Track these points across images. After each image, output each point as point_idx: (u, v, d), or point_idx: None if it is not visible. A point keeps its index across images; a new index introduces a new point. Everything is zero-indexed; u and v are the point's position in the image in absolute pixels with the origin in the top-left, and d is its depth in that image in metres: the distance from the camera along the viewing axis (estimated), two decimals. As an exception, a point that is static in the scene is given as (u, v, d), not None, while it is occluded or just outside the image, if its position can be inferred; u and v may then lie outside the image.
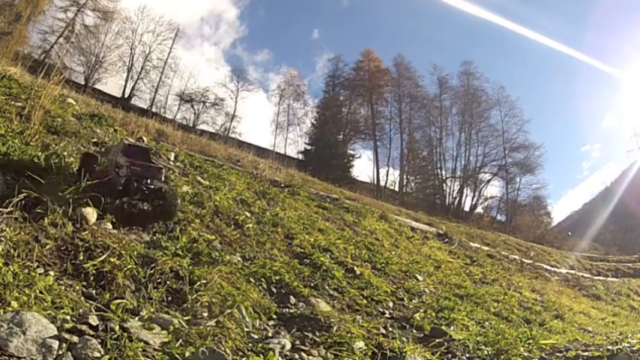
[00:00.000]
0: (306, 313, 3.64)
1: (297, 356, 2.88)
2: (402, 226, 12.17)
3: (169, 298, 3.11)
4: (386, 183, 38.86)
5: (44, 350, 1.96)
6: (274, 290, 4.12)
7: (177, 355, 2.28)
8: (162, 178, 4.29)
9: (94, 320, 2.33)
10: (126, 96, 32.39)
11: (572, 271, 16.18)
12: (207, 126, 34.64)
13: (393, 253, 8.06)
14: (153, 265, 3.33)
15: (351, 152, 39.67)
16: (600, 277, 16.69)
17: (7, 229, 2.87)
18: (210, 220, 5.18)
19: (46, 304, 2.32)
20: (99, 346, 2.11)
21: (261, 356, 2.64)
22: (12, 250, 2.69)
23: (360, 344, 3.27)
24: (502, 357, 3.71)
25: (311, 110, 41.32)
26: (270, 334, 3.17)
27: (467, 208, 37.88)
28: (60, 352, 2.00)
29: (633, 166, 35.53)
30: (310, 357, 2.93)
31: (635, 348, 3.53)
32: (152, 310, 2.81)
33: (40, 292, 2.37)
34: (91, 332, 2.24)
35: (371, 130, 40.57)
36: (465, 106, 39.97)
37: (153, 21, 34.21)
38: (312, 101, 41.96)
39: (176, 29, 35.17)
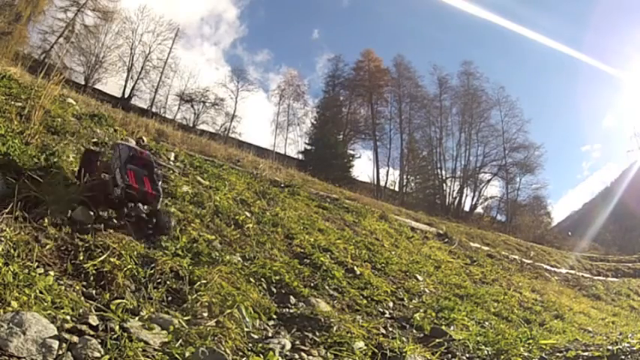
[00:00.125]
0: (306, 313, 3.64)
1: (297, 356, 2.88)
2: (402, 226, 12.17)
3: (169, 298, 3.11)
4: (386, 183, 38.88)
5: (44, 350, 1.96)
6: (274, 290, 4.12)
7: (177, 355, 2.28)
8: (159, 205, 4.11)
9: (94, 320, 2.33)
10: (126, 96, 32.41)
11: (572, 271, 16.18)
12: (207, 126, 34.67)
13: (393, 253, 8.06)
14: (153, 265, 3.33)
15: (351, 152, 39.67)
16: (600, 277, 16.69)
17: (7, 229, 2.87)
18: (210, 220, 5.18)
19: (46, 304, 2.32)
20: (99, 346, 2.11)
21: (261, 356, 2.64)
22: (12, 250, 2.69)
23: (360, 344, 3.27)
24: (502, 357, 3.70)
25: (311, 110, 41.34)
26: (270, 334, 3.17)
27: (467, 208, 37.91)
28: (60, 352, 2.00)
29: (633, 166, 35.55)
30: (310, 357, 2.93)
31: (635, 348, 3.53)
32: (152, 310, 2.81)
33: (40, 292, 2.37)
34: (91, 332, 2.23)
35: (371, 130, 40.60)
36: (465, 106, 39.99)
37: (153, 21, 34.24)
38: (312, 101, 41.99)
39: (176, 29, 35.20)
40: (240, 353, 2.65)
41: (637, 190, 32.53)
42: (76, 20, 30.66)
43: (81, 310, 2.43)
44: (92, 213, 3.71)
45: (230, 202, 6.29)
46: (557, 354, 3.85)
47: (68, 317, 2.29)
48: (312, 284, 4.64)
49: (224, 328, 2.77)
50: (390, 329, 4.08)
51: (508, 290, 8.37)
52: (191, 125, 32.55)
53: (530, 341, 4.18)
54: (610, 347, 3.67)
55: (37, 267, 2.69)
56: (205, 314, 2.97)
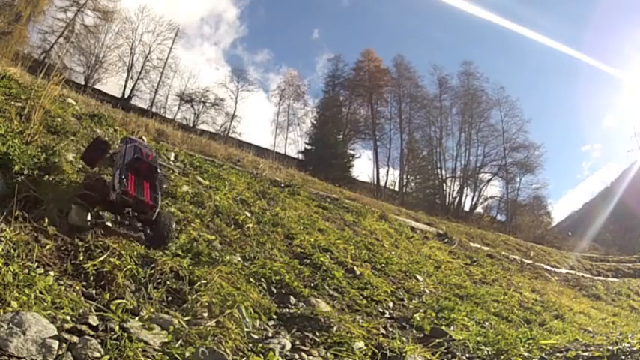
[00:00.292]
0: (306, 313, 3.64)
1: (297, 356, 2.88)
2: (402, 226, 12.18)
3: (169, 298, 3.11)
4: (386, 183, 38.92)
5: (44, 350, 1.96)
6: (274, 290, 4.12)
7: (177, 355, 2.28)
8: (155, 214, 3.76)
9: (94, 320, 2.33)
10: (126, 96, 32.44)
11: (572, 271, 16.18)
12: (207, 126, 34.71)
13: (393, 253, 8.06)
14: (153, 265, 3.33)
15: (351, 152, 39.72)
16: (600, 277, 16.70)
17: (7, 229, 2.87)
18: (210, 220, 5.18)
19: (46, 304, 2.32)
20: (99, 346, 2.11)
21: (261, 356, 2.64)
22: (12, 250, 2.69)
23: (360, 344, 3.26)
24: (502, 357, 3.70)
25: (311, 110, 41.39)
26: (270, 334, 3.17)
27: (467, 208, 37.95)
28: (60, 352, 2.00)
29: (633, 166, 35.58)
30: (310, 357, 2.93)
31: (635, 348, 3.53)
32: (152, 310, 2.81)
33: (40, 292, 2.37)
34: (91, 332, 2.23)
35: (371, 130, 40.63)
36: (465, 106, 40.02)
37: (153, 21, 34.30)
38: (312, 101, 42.04)
39: (176, 29, 35.24)
40: (240, 353, 2.65)
41: (637, 190, 32.54)
42: (76, 20, 30.68)
43: (81, 310, 2.43)
44: (89, 214, 3.59)
45: (230, 202, 6.29)
46: (557, 354, 3.85)
47: (68, 317, 2.29)
48: (312, 284, 4.64)
49: (224, 328, 2.77)
50: (390, 329, 4.08)
51: (508, 290, 8.37)
52: (191, 125, 32.57)
53: (530, 341, 4.18)
54: (610, 347, 3.67)
55: (37, 267, 2.69)
56: (205, 314, 2.97)
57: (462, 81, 40.30)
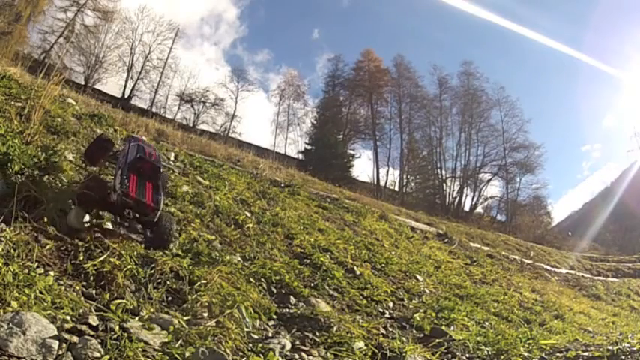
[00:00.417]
0: (306, 313, 3.64)
1: (297, 356, 2.88)
2: (402, 226, 12.18)
3: (169, 298, 3.11)
4: (386, 183, 38.94)
5: (44, 350, 1.96)
6: (274, 290, 4.12)
7: (177, 355, 2.28)
8: (157, 216, 3.62)
9: (94, 320, 2.33)
10: (126, 96, 32.45)
11: (572, 271, 16.19)
12: (207, 126, 34.73)
13: (393, 253, 8.06)
14: (153, 265, 3.33)
15: (351, 152, 39.73)
16: (600, 277, 16.70)
17: (7, 229, 2.87)
18: (210, 220, 5.18)
19: (46, 304, 2.32)
20: (99, 346, 2.11)
21: (261, 356, 2.64)
22: (12, 250, 2.69)
23: (360, 344, 3.26)
24: (502, 357, 3.70)
25: (311, 110, 41.39)
26: (270, 334, 3.17)
27: (467, 208, 37.97)
28: (60, 352, 2.00)
29: (633, 166, 35.59)
30: (310, 357, 2.93)
31: (635, 348, 3.53)
32: (152, 310, 2.81)
33: (40, 292, 2.37)
34: (91, 332, 2.23)
35: (371, 130, 40.64)
36: (465, 106, 40.03)
37: (153, 21, 34.31)
38: (312, 101, 42.04)
39: (176, 29, 35.26)
40: (240, 353, 2.65)
41: (637, 190, 32.55)
42: (76, 20, 30.69)
43: (81, 310, 2.43)
44: (88, 216, 3.50)
45: (230, 202, 6.29)
46: (557, 354, 3.85)
47: (68, 317, 2.29)
48: (312, 284, 4.64)
49: (224, 328, 2.77)
50: (390, 329, 4.08)
51: (508, 290, 8.37)
52: (191, 125, 32.58)
53: (530, 341, 4.18)
54: (610, 347, 3.67)
55: (37, 267, 2.69)
56: (205, 314, 2.97)
57: (462, 81, 40.33)
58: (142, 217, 3.54)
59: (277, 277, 4.29)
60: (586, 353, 3.72)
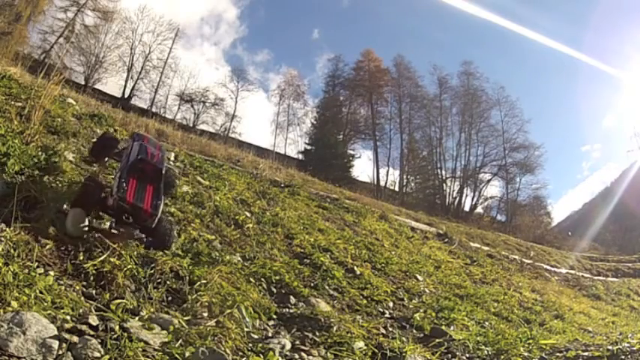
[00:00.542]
0: (306, 313, 3.64)
1: (297, 356, 2.88)
2: (402, 226, 12.18)
3: (169, 298, 3.11)
4: (386, 183, 38.98)
5: (44, 350, 1.96)
6: (274, 290, 4.12)
7: (177, 355, 2.28)
8: (155, 222, 3.47)
9: (94, 320, 2.33)
10: (126, 96, 32.49)
11: (572, 271, 16.19)
12: (207, 126, 34.78)
13: (393, 253, 8.06)
14: (153, 265, 3.33)
15: (351, 152, 39.79)
16: (600, 277, 16.71)
17: (7, 229, 2.87)
18: (210, 220, 5.18)
19: (46, 304, 2.32)
20: (99, 346, 2.11)
21: (261, 356, 2.64)
22: (12, 250, 2.69)
23: (360, 344, 3.26)
24: (502, 357, 3.70)
25: (311, 110, 41.44)
26: (270, 334, 3.17)
27: (467, 208, 38.02)
28: (60, 352, 2.00)
29: (633, 166, 35.64)
30: (310, 357, 2.93)
31: (635, 348, 3.53)
32: (152, 310, 2.81)
33: (40, 292, 2.37)
34: (91, 332, 2.23)
35: (371, 130, 40.67)
36: (465, 106, 40.06)
37: (153, 21, 34.36)
38: (312, 101, 42.09)
39: (176, 29, 35.31)
40: (240, 353, 2.65)
41: (637, 190, 32.57)
42: (76, 20, 30.72)
43: (81, 310, 2.43)
44: (86, 220, 3.33)
45: (230, 202, 6.29)
46: (557, 354, 3.85)
47: (68, 317, 2.29)
48: (312, 284, 4.64)
49: (224, 328, 2.77)
50: (390, 329, 4.08)
51: (508, 290, 8.37)
52: (191, 125, 32.61)
53: (530, 341, 4.18)
54: (610, 347, 3.67)
55: (37, 267, 2.69)
56: (205, 314, 2.97)
57: (462, 81, 40.37)
58: (139, 222, 3.40)
59: (277, 277, 4.29)
60: (586, 353, 3.72)
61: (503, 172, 38.30)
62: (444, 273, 8.03)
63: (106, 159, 4.57)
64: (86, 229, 3.30)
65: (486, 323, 5.18)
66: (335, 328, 3.43)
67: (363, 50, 42.07)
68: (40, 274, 2.58)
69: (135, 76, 33.65)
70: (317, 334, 3.32)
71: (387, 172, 39.26)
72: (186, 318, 2.78)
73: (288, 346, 2.97)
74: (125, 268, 3.06)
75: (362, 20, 52.19)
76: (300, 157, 37.59)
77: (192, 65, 46.00)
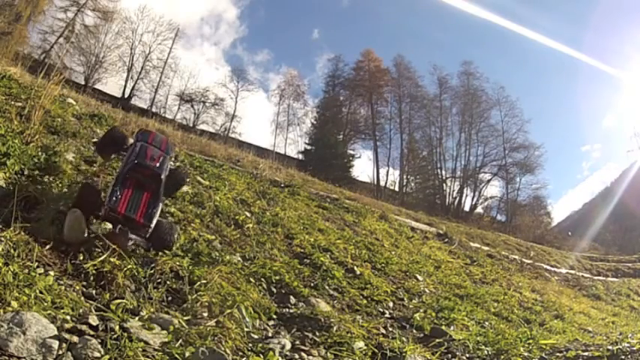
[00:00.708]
0: (306, 313, 3.64)
1: (297, 356, 2.88)
2: (402, 226, 12.18)
3: (169, 298, 3.11)
4: (386, 183, 39.00)
5: (44, 350, 1.96)
6: (274, 290, 4.12)
7: (177, 355, 2.28)
8: (149, 232, 3.39)
9: (94, 320, 2.33)
10: (126, 96, 32.50)
11: (572, 271, 16.19)
12: (207, 126, 34.81)
13: (393, 253, 8.06)
14: (153, 265, 3.33)
15: (351, 152, 39.81)
16: (600, 277, 16.71)
17: (7, 229, 2.87)
18: (210, 220, 5.18)
19: (46, 304, 2.32)
20: (99, 346, 2.11)
21: (261, 356, 2.64)
22: (12, 250, 2.69)
23: (360, 344, 3.27)
24: (502, 357, 3.70)
25: (311, 110, 41.46)
26: (270, 334, 3.17)
27: (467, 208, 38.03)
28: (60, 352, 2.00)
29: (633, 166, 35.65)
30: (310, 357, 2.93)
31: (635, 348, 3.53)
32: (152, 310, 2.81)
33: (40, 292, 2.37)
34: (91, 332, 2.23)
35: (371, 130, 40.69)
36: (465, 106, 40.07)
37: (153, 21, 34.39)
38: (312, 101, 42.11)
39: (176, 29, 35.33)
40: (240, 353, 2.65)
41: (637, 190, 32.57)
42: (76, 20, 30.73)
43: (81, 310, 2.43)
44: (84, 226, 3.23)
45: (230, 202, 6.29)
46: (557, 354, 3.85)
47: (68, 317, 2.29)
48: (312, 284, 4.64)
49: (224, 328, 2.77)
50: (390, 329, 4.08)
51: (508, 290, 8.37)
52: (191, 125, 32.62)
53: (530, 341, 4.18)
54: (610, 347, 3.67)
55: (37, 267, 2.69)
56: (205, 314, 2.97)
57: (462, 81, 40.37)
58: (132, 232, 3.30)
59: (277, 277, 4.29)
60: (586, 353, 3.72)
61: (503, 172, 38.32)
62: (444, 273, 8.03)
63: (113, 156, 4.49)
64: (85, 235, 3.22)
65: (486, 323, 5.18)
66: (335, 328, 3.43)
67: (363, 50, 42.10)
68: (40, 274, 2.58)
69: (135, 76, 33.69)
70: (317, 334, 3.32)
71: (387, 172, 39.29)
72: (186, 318, 2.78)
73: (288, 346, 2.97)
74: (125, 268, 3.06)
75: (362, 20, 52.25)
76: (300, 157, 37.61)
77: (192, 65, 46.05)
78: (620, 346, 3.62)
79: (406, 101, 40.41)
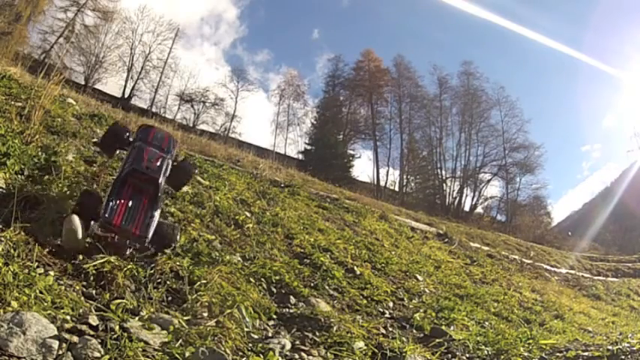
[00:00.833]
0: (306, 313, 3.64)
1: (297, 356, 2.88)
2: (402, 226, 12.18)
3: (169, 298, 3.11)
4: (386, 183, 39.03)
5: (44, 350, 1.96)
6: (274, 290, 4.12)
7: (177, 355, 2.28)
8: (147, 241, 3.29)
9: (94, 320, 2.33)
10: (126, 96, 32.51)
11: (572, 271, 16.20)
12: (207, 126, 34.84)
13: (393, 253, 8.06)
14: (153, 265, 3.33)
15: (351, 152, 39.84)
16: (600, 277, 16.71)
17: (7, 229, 2.87)
18: (210, 220, 5.17)
19: (46, 304, 2.32)
20: (99, 346, 2.11)
21: (261, 356, 2.64)
22: (12, 250, 2.69)
23: (360, 344, 3.26)
24: (502, 357, 3.70)
25: (311, 110, 41.50)
26: (270, 334, 3.17)
27: (467, 208, 38.07)
28: (60, 352, 2.00)
29: (633, 166, 35.67)
30: (310, 357, 2.93)
31: (635, 348, 3.53)
32: (152, 310, 2.80)
33: (40, 292, 2.37)
34: (91, 332, 2.23)
35: (371, 130, 40.71)
36: (465, 106, 40.10)
37: (153, 21, 34.43)
38: (312, 101, 42.15)
39: (176, 29, 35.36)
40: (240, 353, 2.65)
41: (637, 190, 32.59)
42: (76, 20, 30.74)
43: (81, 310, 2.43)
44: (83, 232, 3.08)
45: (230, 202, 6.29)
46: (557, 354, 3.85)
47: (68, 317, 2.29)
48: (312, 284, 4.64)
49: (224, 328, 2.77)
50: (390, 329, 4.08)
51: (508, 290, 8.37)
52: (191, 125, 32.64)
53: (530, 341, 4.18)
54: (610, 347, 3.67)
55: (37, 267, 2.69)
56: (205, 314, 2.97)
57: (462, 81, 40.40)
58: (130, 242, 3.23)
59: (277, 277, 4.29)
60: (586, 353, 3.72)
61: (503, 172, 38.33)
62: (444, 273, 8.03)
63: (118, 152, 4.38)
64: (83, 244, 3.11)
65: (486, 323, 5.18)
66: (335, 328, 3.43)
67: (363, 50, 42.12)
68: (40, 274, 2.58)
69: (135, 76, 33.71)
70: (317, 334, 3.32)
71: (387, 172, 39.31)
72: (186, 318, 2.78)
73: (288, 346, 2.97)
74: (125, 268, 3.06)
75: (362, 20, 52.29)
76: (300, 157, 37.62)
77: (192, 65, 46.11)
78: (620, 346, 3.62)
79: (406, 101, 40.46)
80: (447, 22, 51.46)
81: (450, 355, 3.64)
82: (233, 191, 7.04)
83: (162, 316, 2.72)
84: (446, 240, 12.95)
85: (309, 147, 38.54)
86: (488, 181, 38.64)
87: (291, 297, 4.08)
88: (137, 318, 2.58)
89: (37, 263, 2.74)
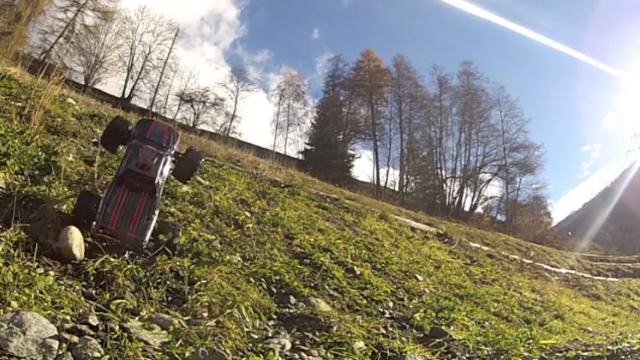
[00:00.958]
0: (306, 313, 3.64)
1: (297, 356, 2.88)
2: (402, 226, 12.18)
3: (169, 298, 3.11)
4: (386, 183, 39.03)
5: (44, 350, 1.96)
6: (274, 290, 4.12)
7: (177, 355, 2.28)
8: (142, 246, 3.29)
9: (94, 320, 2.33)
10: (126, 96, 32.50)
11: (572, 271, 16.20)
12: (207, 126, 34.85)
13: (393, 253, 8.06)
14: (153, 265, 3.33)
15: (351, 152, 39.85)
16: (600, 277, 16.71)
17: (7, 229, 2.87)
18: (210, 220, 5.17)
19: (46, 304, 2.32)
20: (99, 346, 2.11)
21: (261, 356, 2.64)
22: (12, 250, 2.69)
23: (360, 344, 3.27)
24: (502, 357, 3.71)
25: (311, 110, 41.50)
26: (270, 334, 3.17)
27: (467, 208, 38.07)
28: (60, 352, 2.00)
29: (633, 166, 35.69)
30: (310, 357, 2.93)
31: (635, 348, 3.53)
32: (152, 310, 2.80)
33: (40, 292, 2.37)
34: (91, 332, 2.23)
35: (371, 130, 40.71)
36: (465, 106, 40.09)
37: (153, 21, 34.44)
38: (312, 101, 42.16)
39: (176, 29, 35.36)
40: (240, 353, 2.65)
41: (637, 190, 32.59)
42: (76, 20, 30.74)
43: (81, 310, 2.43)
44: (76, 240, 3.04)
45: (230, 202, 6.29)
46: (557, 354, 3.85)
47: (68, 317, 2.29)
48: (312, 284, 4.64)
49: (224, 328, 2.77)
50: (390, 329, 4.08)
51: (508, 290, 8.37)
52: (191, 125, 32.64)
53: (530, 341, 4.18)
54: (610, 347, 3.67)
55: (37, 267, 2.69)
56: (205, 314, 2.97)
57: (462, 81, 40.41)
58: (127, 246, 3.23)
59: (277, 277, 4.29)
60: (586, 353, 3.73)
61: (503, 172, 38.35)
62: (444, 273, 8.03)
63: (120, 147, 4.31)
64: (80, 255, 3.05)
65: (486, 323, 5.18)
66: (335, 328, 3.43)
67: (363, 50, 42.14)
68: (40, 274, 2.58)
69: (135, 76, 33.72)
70: (317, 334, 3.32)
71: (387, 172, 39.32)
72: (186, 318, 2.78)
73: (288, 346, 2.97)
74: (125, 268, 3.06)
75: (362, 20, 52.34)
76: (300, 157, 37.64)
77: (192, 65, 46.15)
78: (620, 346, 3.62)
79: (406, 101, 40.47)
80: (447, 22, 51.57)
81: (450, 355, 3.64)
82: (233, 191, 7.04)
83: (163, 316, 2.72)
84: (446, 240, 12.95)
85: (309, 147, 38.58)
86: (488, 181, 38.70)
87: (291, 297, 4.08)
88: (137, 318, 2.58)
89: (37, 263, 2.74)
